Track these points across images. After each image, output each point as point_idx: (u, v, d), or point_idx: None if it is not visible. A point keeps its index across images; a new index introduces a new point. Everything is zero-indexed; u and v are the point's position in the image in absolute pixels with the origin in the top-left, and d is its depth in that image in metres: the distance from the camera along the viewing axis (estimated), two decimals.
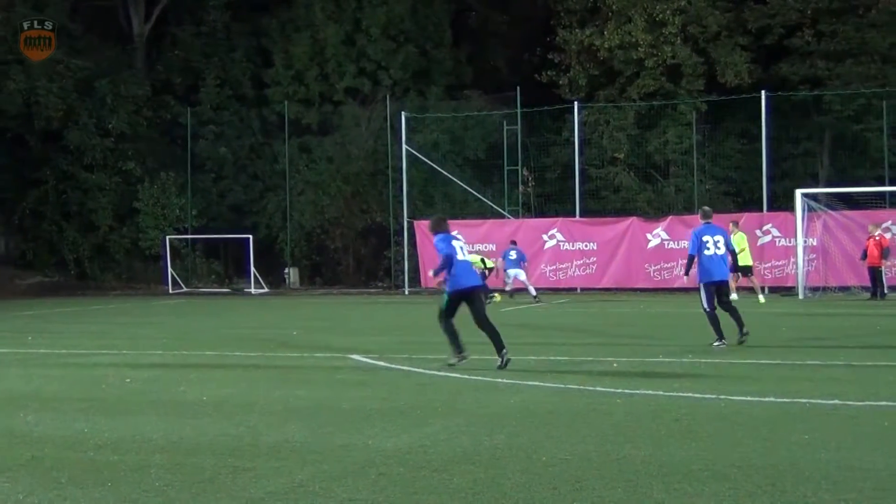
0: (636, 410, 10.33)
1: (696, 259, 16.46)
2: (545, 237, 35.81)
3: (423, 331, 20.79)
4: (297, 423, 9.77)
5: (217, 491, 7.20)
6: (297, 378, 13.35)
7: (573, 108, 36.94)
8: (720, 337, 16.17)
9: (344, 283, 40.62)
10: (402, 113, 38.62)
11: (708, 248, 16.31)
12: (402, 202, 38.31)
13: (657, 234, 34.30)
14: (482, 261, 31.49)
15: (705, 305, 16.40)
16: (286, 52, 43.64)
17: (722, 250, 16.42)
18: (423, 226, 37.56)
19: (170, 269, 40.82)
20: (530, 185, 39.94)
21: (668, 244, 34.16)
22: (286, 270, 41.99)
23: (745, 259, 27.60)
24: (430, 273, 14.81)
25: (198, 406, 11.02)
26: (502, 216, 37.50)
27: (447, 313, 14.20)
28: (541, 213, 38.55)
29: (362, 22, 42.72)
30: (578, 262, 35.41)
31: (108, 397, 11.87)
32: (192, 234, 42.69)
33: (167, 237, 41.46)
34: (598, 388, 11.82)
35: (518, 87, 38.08)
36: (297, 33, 43.46)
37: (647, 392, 11.51)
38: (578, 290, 35.43)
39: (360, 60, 42.91)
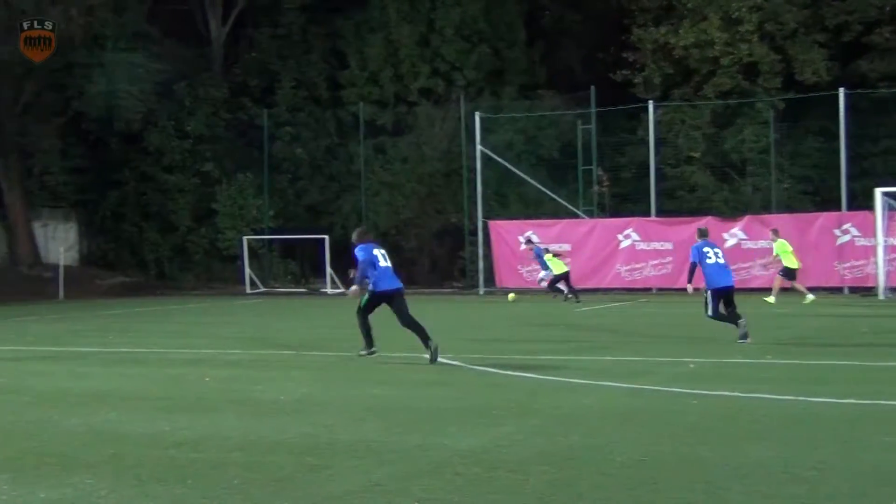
0: (712, 411, 10.24)
1: (699, 269, 17.45)
2: (620, 237, 35.61)
3: (497, 331, 20.77)
4: (373, 423, 9.82)
5: (295, 489, 7.26)
6: (373, 378, 13.41)
7: (648, 107, 36.67)
8: (741, 326, 16.94)
9: (418, 284, 40.69)
10: (476, 113, 38.61)
11: (710, 258, 17.43)
12: (476, 202, 38.31)
13: (734, 234, 33.93)
14: (555, 256, 31.68)
15: (710, 312, 17.37)
16: (361, 54, 43.85)
17: (722, 259, 17.61)
18: (497, 226, 37.58)
19: (247, 270, 41.21)
20: (605, 184, 39.72)
21: (746, 244, 33.79)
22: None
23: (790, 262, 27.39)
24: (353, 278, 15.88)
25: (275, 405, 11.12)
26: (576, 216, 37.35)
27: (365, 311, 15.69)
28: (615, 213, 38.31)
29: (436, 23, 42.79)
30: (654, 262, 35.15)
31: (188, 395, 12.03)
32: (268, 234, 43.07)
33: (244, 237, 41.85)
34: (674, 389, 11.73)
35: (592, 87, 37.88)
36: (371, 34, 43.66)
37: (723, 393, 11.40)
38: (654, 291, 35.16)
39: (434, 61, 42.98)
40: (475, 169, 38.38)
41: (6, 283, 40.20)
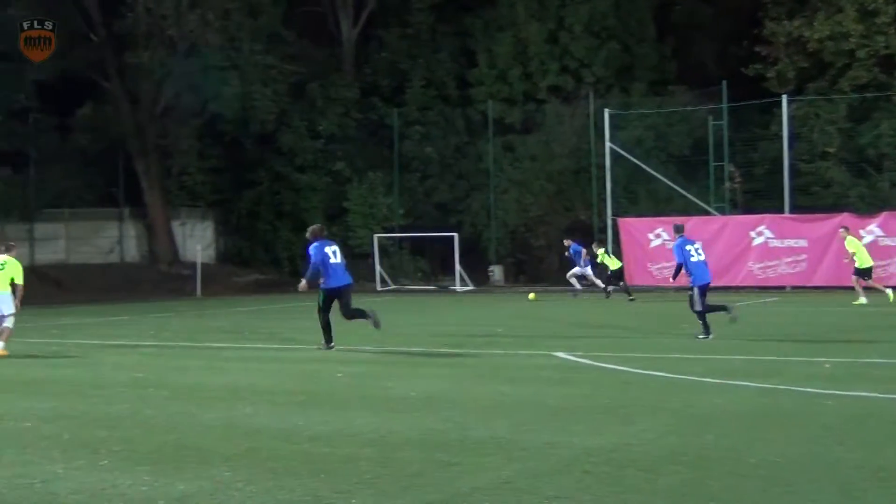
0: (849, 412, 9.99)
1: (684, 266, 17.99)
2: (752, 234, 34.95)
3: (627, 328, 20.59)
4: (502, 420, 9.82)
5: (425, 485, 7.30)
6: (502, 375, 13.42)
7: (781, 101, 35.92)
8: (707, 332, 17.54)
9: (546, 281, 40.55)
10: (606, 110, 38.33)
11: (693, 256, 17.94)
12: (605, 200, 38.03)
13: (871, 231, 32.99)
14: (604, 259, 31.92)
15: (697, 307, 17.82)
16: (490, 52, 43.91)
17: (703, 256, 18.17)
18: (627, 223, 37.25)
19: (378, 267, 41.59)
20: (737, 181, 39.02)
21: (883, 241, 32.84)
22: (491, 268, 42.26)
23: (862, 261, 26.95)
24: (304, 281, 17.07)
25: (405, 401, 11.21)
26: (708, 213, 36.79)
27: (324, 308, 16.87)
28: (748, 210, 37.61)
29: (565, 20, 42.61)
30: (788, 260, 34.41)
31: (321, 391, 12.20)
32: (398, 232, 43.42)
33: (375, 235, 42.25)
34: (809, 389, 11.47)
35: (724, 82, 37.28)
36: (500, 33, 43.67)
37: (860, 394, 11.12)
38: (788, 289, 34.42)
39: (563, 58, 42.80)
40: (604, 166, 38.10)
41: (146, 280, 41.35)
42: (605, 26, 42.61)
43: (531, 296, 32.80)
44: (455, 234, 40.09)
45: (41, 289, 37.55)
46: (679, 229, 18.81)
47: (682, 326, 19.70)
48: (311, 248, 16.82)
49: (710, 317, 17.84)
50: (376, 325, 16.86)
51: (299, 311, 29.08)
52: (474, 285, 40.47)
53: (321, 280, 16.80)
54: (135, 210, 45.01)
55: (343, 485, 7.33)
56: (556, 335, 18.99)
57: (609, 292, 31.89)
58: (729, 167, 38.17)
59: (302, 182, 44.48)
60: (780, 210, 35.33)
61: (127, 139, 43.06)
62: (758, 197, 37.95)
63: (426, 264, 44.27)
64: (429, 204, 44.71)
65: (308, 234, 17.31)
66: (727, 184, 38.24)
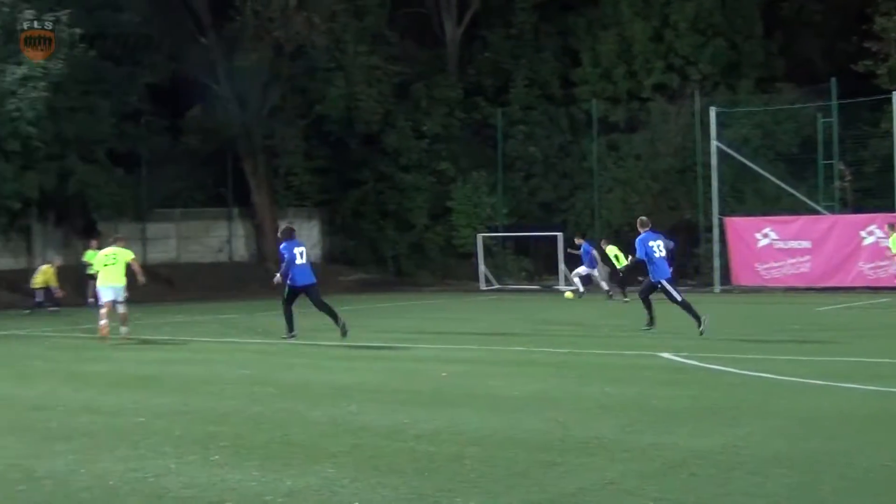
0: None
1: (647, 261, 18.73)
2: (863, 234, 34.17)
3: (733, 329, 20.31)
4: (606, 420, 9.78)
5: (530, 485, 7.30)
6: (607, 375, 13.35)
7: (893, 98, 35.06)
8: (699, 320, 17.94)
9: None
10: (712, 108, 37.80)
11: (656, 252, 18.68)
12: (711, 199, 37.53)
13: None
14: (616, 258, 31.49)
15: (676, 297, 18.63)
16: (593, 51, 43.64)
17: (664, 251, 18.89)
18: (734, 223, 36.72)
19: (482, 267, 41.61)
20: (847, 179, 38.20)
21: None
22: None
23: None
24: (277, 277, 19.00)
25: (509, 400, 11.21)
26: (817, 212, 36.08)
27: (288, 301, 18.90)
28: (858, 209, 36.79)
29: (670, 17, 42.15)
30: None
31: (425, 390, 12.27)
32: (502, 231, 43.40)
33: (479, 235, 42.29)
34: None
35: (833, 78, 36.52)
36: (604, 31, 43.39)
37: None
38: None
39: (668, 56, 42.34)
40: (710, 165, 37.58)
41: (254, 279, 41.92)
42: (711, 23, 42.03)
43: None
44: (559, 234, 39.91)
45: (153, 287, 38.28)
46: (644, 223, 19.46)
47: (793, 328, 19.39)
48: (283, 248, 18.82)
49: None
50: (343, 333, 18.29)
51: (403, 311, 29.31)
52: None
53: (287, 277, 18.69)
54: (243, 210, 45.71)
55: (447, 483, 7.37)
56: (661, 335, 18.79)
57: (611, 295, 31.74)
58: (839, 165, 37.41)
59: (406, 182, 44.72)
60: (892, 209, 34.49)
61: (235, 140, 43.76)
62: (868, 196, 37.10)
63: (530, 264, 44.17)
64: (532, 203, 44.60)
65: (280, 234, 19.52)
66: (837, 182, 37.46)
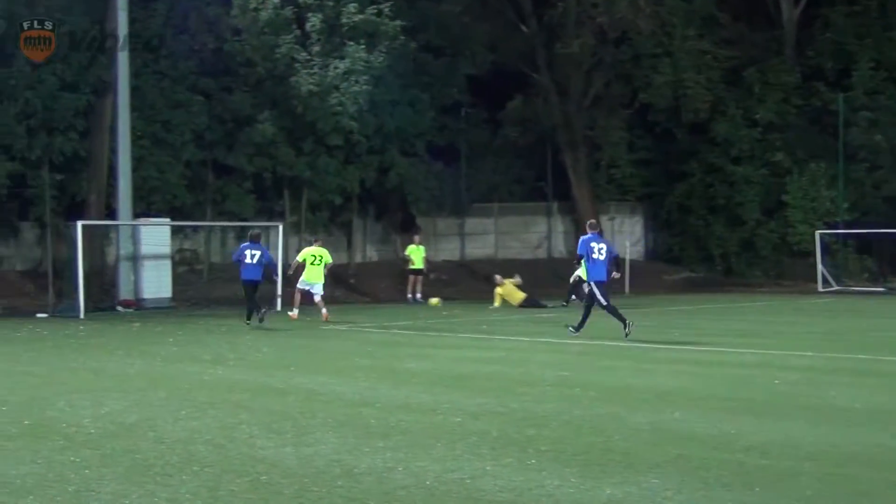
0: None
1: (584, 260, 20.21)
2: None
3: None
4: None
5: None
6: None
7: None
8: (624, 323, 19.31)
9: None
10: None
11: (594, 253, 19.94)
12: None
13: None
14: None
15: (602, 301, 19.86)
16: None
17: (603, 256, 20.01)
18: None
19: (820, 266, 40.22)
20: None
21: None
22: None
23: None
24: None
25: (849, 413, 10.80)
26: None
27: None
28: None
29: None
30: None
31: (755, 398, 11.98)
32: (843, 228, 41.76)
33: (817, 232, 40.87)
34: None
35: None
36: None
37: None
38: None
39: None
40: None
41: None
42: None
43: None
44: None
45: (471, 283, 39.44)
46: (593, 226, 21.45)
47: None
48: (239, 250, 24.57)
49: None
50: (260, 320, 23.38)
51: (732, 312, 28.73)
52: None
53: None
54: (563, 205, 46.14)
55: (780, 501, 7.19)
56: None
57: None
58: None
59: (737, 174, 43.78)
60: None
61: (555, 131, 44.22)
62: None
63: (873, 264, 42.33)
64: (877, 197, 42.64)
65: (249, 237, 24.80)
66: None
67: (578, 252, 20.60)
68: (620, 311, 19.82)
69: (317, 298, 25.69)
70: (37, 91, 30.78)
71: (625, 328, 19.27)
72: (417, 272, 34.36)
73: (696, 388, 12.93)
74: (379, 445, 9.22)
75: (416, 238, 35.69)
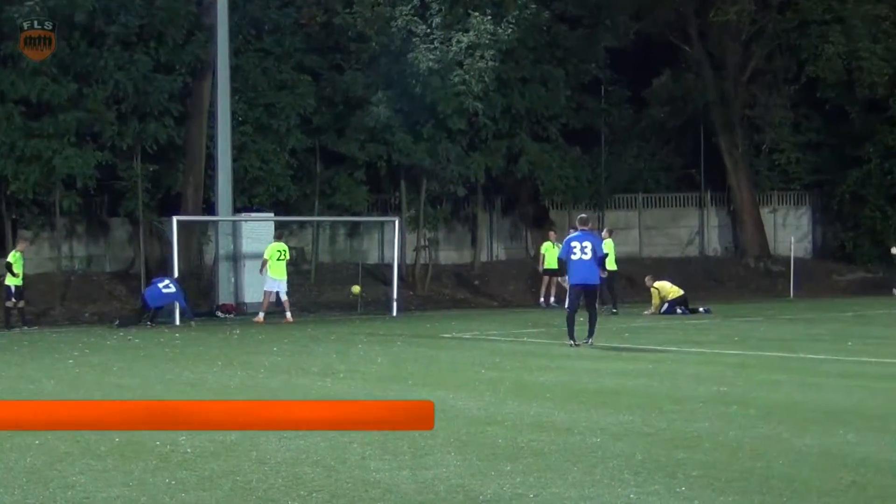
0: None
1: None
2: None
3: None
4: None
5: None
6: None
7: None
8: (571, 338, 20.25)
9: None
10: None
11: (575, 253, 20.19)
12: None
13: None
14: None
15: (566, 306, 21.03)
16: None
17: (588, 255, 20.16)
18: None
19: None
20: None
21: None
22: None
23: None
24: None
25: None
26: None
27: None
28: None
29: None
30: None
31: None
32: None
33: None
34: None
35: None
36: None
37: None
38: None
39: None
40: None
41: (730, 277, 41.89)
42: None
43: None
44: None
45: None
46: (583, 222, 21.12)
47: None
48: None
49: None
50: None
51: None
52: None
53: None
54: (717, 195, 45.62)
55: None
56: None
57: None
58: None
59: None
60: None
61: (709, 111, 43.69)
62: None
63: None
64: None
65: None
66: None
67: (559, 256, 21.44)
68: (577, 328, 20.40)
69: (283, 297, 28.70)
70: (128, 72, 31.43)
71: (571, 341, 20.23)
72: (552, 273, 33.81)
73: (873, 406, 12.73)
74: (507, 469, 9.24)
75: (552, 234, 35.11)
